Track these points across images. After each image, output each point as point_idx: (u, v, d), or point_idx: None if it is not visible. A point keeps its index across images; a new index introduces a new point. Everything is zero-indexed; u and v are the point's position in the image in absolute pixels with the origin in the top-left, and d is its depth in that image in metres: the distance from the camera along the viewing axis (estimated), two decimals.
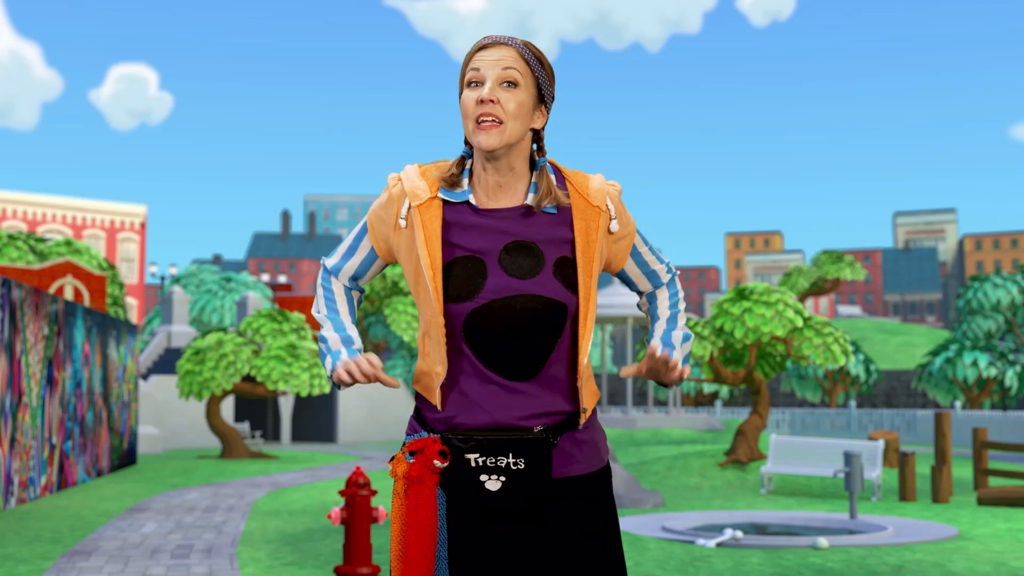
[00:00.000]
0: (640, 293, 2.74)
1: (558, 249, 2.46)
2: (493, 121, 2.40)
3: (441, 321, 2.42)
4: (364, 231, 2.58)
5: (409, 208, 2.47)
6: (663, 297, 2.71)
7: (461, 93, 2.50)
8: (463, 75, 2.48)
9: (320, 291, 2.65)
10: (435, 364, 2.47)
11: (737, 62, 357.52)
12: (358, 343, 2.57)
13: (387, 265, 2.65)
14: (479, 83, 2.43)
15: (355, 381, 2.48)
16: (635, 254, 2.62)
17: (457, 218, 2.47)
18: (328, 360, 2.53)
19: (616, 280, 34.32)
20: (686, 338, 2.65)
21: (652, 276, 2.69)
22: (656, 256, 2.68)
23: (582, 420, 2.49)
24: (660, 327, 2.67)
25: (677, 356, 2.57)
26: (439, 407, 2.48)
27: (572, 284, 2.44)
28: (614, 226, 2.51)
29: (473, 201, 2.48)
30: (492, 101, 2.40)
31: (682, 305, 2.73)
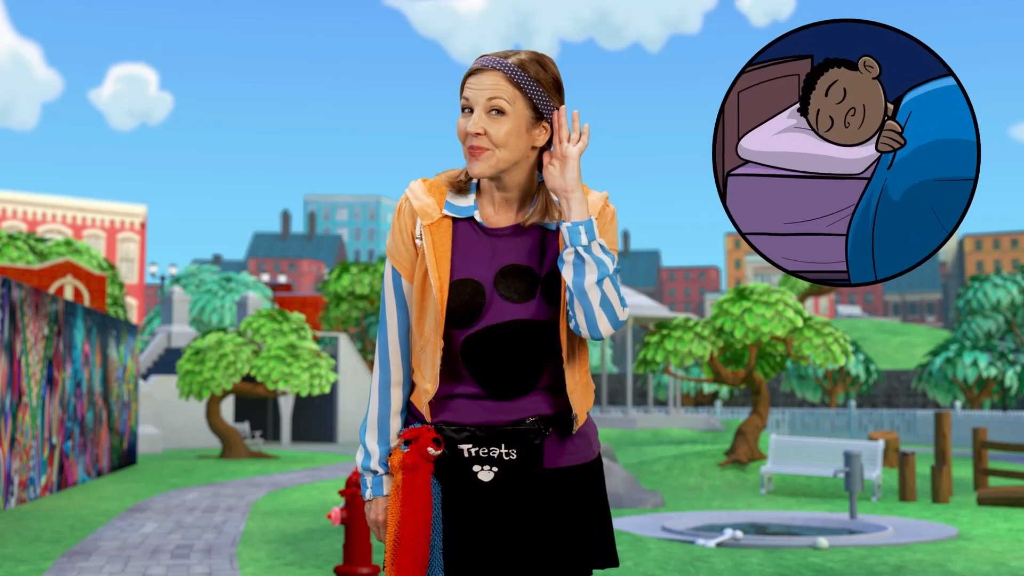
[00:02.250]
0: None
1: (551, 265, 2.48)
2: (482, 149, 2.42)
3: (440, 343, 2.45)
4: (394, 275, 2.56)
5: (423, 228, 2.49)
6: None
7: None
8: (461, 98, 2.49)
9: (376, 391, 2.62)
10: (426, 382, 2.51)
11: (737, 62, 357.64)
12: (382, 466, 2.60)
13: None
14: (470, 110, 2.44)
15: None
16: None
17: (463, 238, 2.49)
18: (366, 485, 2.62)
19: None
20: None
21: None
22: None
23: (575, 428, 2.53)
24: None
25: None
26: (428, 419, 2.54)
27: (560, 301, 2.46)
28: None
29: (479, 218, 2.50)
30: (478, 134, 2.41)
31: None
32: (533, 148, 2.47)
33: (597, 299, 2.39)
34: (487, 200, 2.51)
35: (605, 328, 2.42)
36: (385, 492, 2.58)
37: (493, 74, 2.43)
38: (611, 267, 2.39)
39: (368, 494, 2.59)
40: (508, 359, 2.45)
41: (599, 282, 2.39)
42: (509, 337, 2.44)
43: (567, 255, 2.39)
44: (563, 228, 2.40)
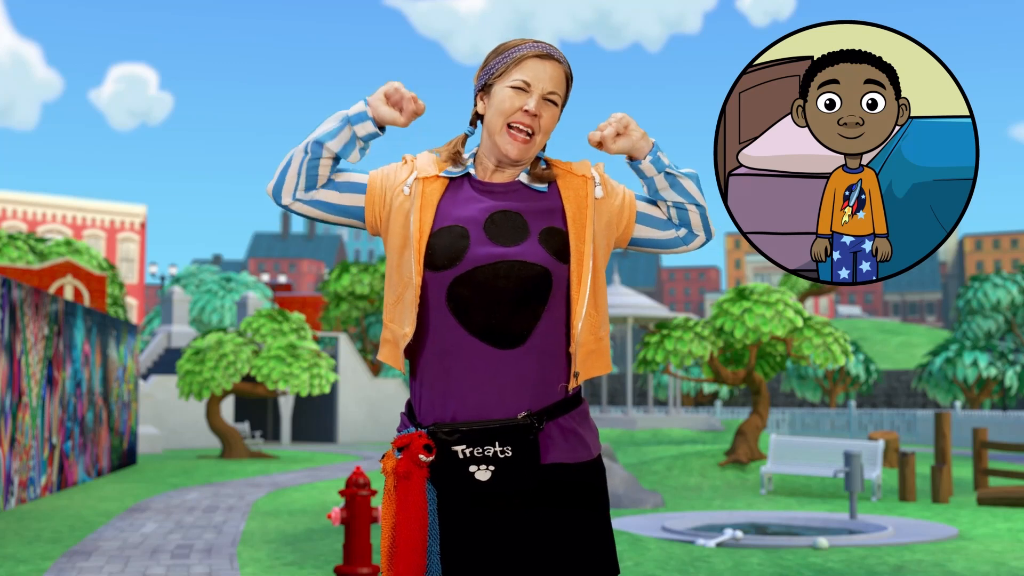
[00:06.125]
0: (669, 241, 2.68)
1: (546, 219, 2.51)
2: (526, 135, 2.49)
3: (417, 281, 2.45)
4: (363, 183, 2.61)
5: (415, 180, 2.55)
6: None
7: (492, 85, 2.54)
8: (504, 71, 2.52)
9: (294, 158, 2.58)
10: (404, 326, 2.48)
11: (737, 62, 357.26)
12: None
13: (359, 222, 2.62)
14: (525, 92, 2.50)
15: (400, 105, 2.50)
16: (644, 217, 2.66)
17: (455, 191, 2.55)
18: (349, 117, 2.54)
19: (615, 280, 34.28)
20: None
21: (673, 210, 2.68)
22: None
23: (571, 385, 2.48)
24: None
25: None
26: (415, 375, 2.50)
27: (559, 252, 2.47)
28: (599, 191, 2.56)
29: (473, 173, 2.58)
30: (537, 115, 2.49)
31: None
32: None
33: (702, 198, 2.61)
34: (480, 166, 2.59)
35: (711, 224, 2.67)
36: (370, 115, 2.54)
37: (558, 67, 2.54)
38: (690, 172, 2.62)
39: (354, 111, 2.53)
40: (496, 300, 2.42)
41: (697, 183, 2.61)
42: (497, 277, 2.43)
43: (660, 181, 2.57)
44: (646, 162, 2.56)
